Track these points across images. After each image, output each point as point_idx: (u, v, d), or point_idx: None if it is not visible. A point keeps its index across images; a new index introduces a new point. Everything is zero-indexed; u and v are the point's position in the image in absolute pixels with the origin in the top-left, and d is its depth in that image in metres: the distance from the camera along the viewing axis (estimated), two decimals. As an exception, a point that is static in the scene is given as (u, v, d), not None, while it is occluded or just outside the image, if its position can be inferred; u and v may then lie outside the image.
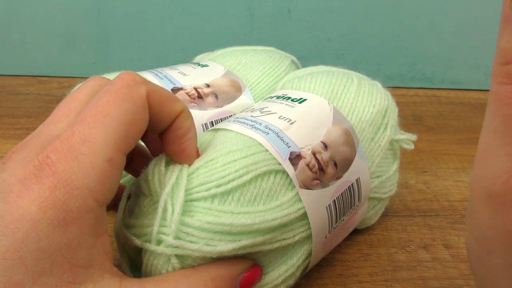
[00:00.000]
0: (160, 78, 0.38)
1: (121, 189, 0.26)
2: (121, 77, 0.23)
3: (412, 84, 0.66)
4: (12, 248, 0.19)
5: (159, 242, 0.24)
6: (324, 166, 0.28)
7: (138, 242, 0.24)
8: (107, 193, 0.21)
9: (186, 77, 0.39)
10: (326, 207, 0.28)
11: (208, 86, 0.39)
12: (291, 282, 0.28)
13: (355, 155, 0.30)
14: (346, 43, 0.63)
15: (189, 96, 0.37)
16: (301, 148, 0.28)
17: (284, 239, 0.26)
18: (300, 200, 0.26)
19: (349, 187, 0.30)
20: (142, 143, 0.29)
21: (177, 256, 0.24)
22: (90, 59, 0.65)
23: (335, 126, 0.30)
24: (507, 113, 0.17)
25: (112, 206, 0.28)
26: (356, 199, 0.31)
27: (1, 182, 0.20)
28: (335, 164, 0.29)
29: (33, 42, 0.64)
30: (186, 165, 0.25)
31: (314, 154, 0.28)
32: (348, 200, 0.30)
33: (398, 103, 0.36)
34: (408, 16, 0.62)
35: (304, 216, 0.27)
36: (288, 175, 0.26)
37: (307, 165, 0.27)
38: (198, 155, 0.26)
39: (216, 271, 0.24)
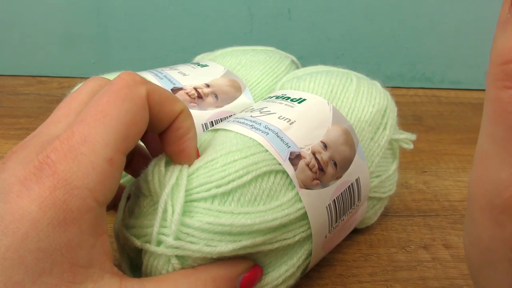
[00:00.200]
0: (160, 78, 0.38)
1: (121, 189, 0.26)
2: (121, 77, 0.23)
3: (412, 84, 0.66)
4: (12, 248, 0.19)
5: (159, 243, 0.24)
6: (324, 166, 0.28)
7: (138, 242, 0.24)
8: (107, 193, 0.21)
9: (186, 77, 0.39)
10: (326, 207, 0.28)
11: (208, 86, 0.39)
12: (292, 282, 0.28)
13: (354, 155, 0.30)
14: (346, 43, 0.63)
15: (189, 96, 0.37)
16: (301, 148, 0.28)
17: (284, 239, 0.26)
18: (300, 200, 0.26)
19: (349, 187, 0.30)
20: (142, 144, 0.29)
21: (177, 256, 0.24)
22: (90, 59, 0.65)
23: (334, 126, 0.30)
24: (508, 120, 0.16)
25: (112, 206, 0.28)
26: (356, 199, 0.31)
27: (1, 182, 0.20)
28: (335, 164, 0.29)
29: (33, 42, 0.64)
30: (186, 166, 0.25)
31: (314, 154, 0.28)
32: (348, 200, 0.30)
33: (398, 103, 0.36)
34: (408, 16, 0.62)
35: (304, 216, 0.27)
36: (288, 175, 0.26)
37: (307, 165, 0.27)
38: (198, 155, 0.26)
39: (216, 272, 0.24)
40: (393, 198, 0.40)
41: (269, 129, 0.28)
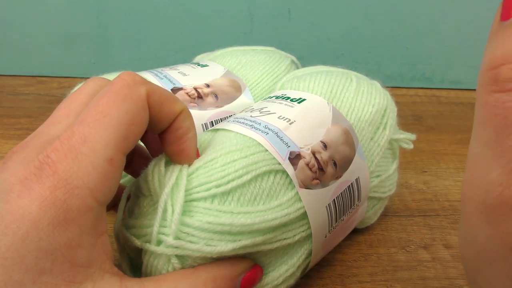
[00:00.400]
0: (160, 78, 0.38)
1: (121, 189, 0.26)
2: (121, 78, 0.23)
3: (412, 84, 0.66)
4: (12, 248, 0.19)
5: (159, 243, 0.24)
6: (324, 166, 0.28)
7: (138, 242, 0.24)
8: (107, 193, 0.22)
9: (186, 77, 0.39)
10: (326, 206, 0.28)
11: (208, 86, 0.39)
12: (292, 282, 0.28)
13: (354, 155, 0.30)
14: (346, 43, 0.63)
15: (189, 96, 0.37)
16: (301, 147, 0.28)
17: (284, 238, 0.26)
18: (300, 200, 0.27)
19: (348, 187, 0.30)
20: (142, 144, 0.29)
21: (177, 256, 0.24)
22: (90, 59, 0.65)
23: (334, 125, 0.30)
24: (498, 124, 0.17)
25: (112, 206, 0.28)
26: (356, 199, 0.31)
27: (2, 182, 0.20)
28: (335, 164, 0.29)
29: (33, 42, 0.64)
30: (186, 166, 0.25)
31: (313, 153, 0.28)
32: (348, 200, 0.30)
33: (398, 103, 0.36)
34: (408, 16, 0.62)
35: (304, 215, 0.27)
36: (287, 175, 0.26)
37: (307, 164, 0.27)
38: (198, 155, 0.26)
39: (217, 271, 0.24)
40: (393, 198, 0.40)
41: (269, 129, 0.28)
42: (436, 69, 0.65)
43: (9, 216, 0.19)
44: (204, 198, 0.24)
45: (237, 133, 0.28)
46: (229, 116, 0.38)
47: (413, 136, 0.35)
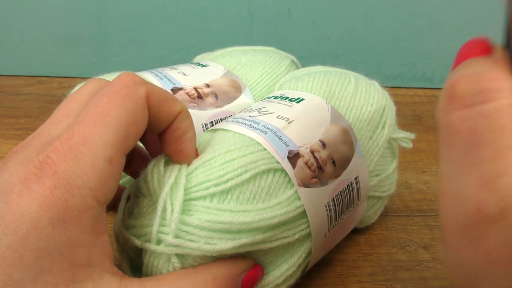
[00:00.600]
0: (160, 78, 0.38)
1: (120, 190, 0.26)
2: (121, 78, 0.23)
3: (412, 84, 0.66)
4: (12, 247, 0.19)
5: (159, 242, 0.24)
6: (323, 165, 0.28)
7: (138, 242, 0.24)
8: (107, 193, 0.22)
9: (186, 77, 0.39)
10: (325, 205, 0.28)
11: (208, 86, 0.39)
12: (292, 281, 0.28)
13: (353, 154, 0.30)
14: (346, 43, 0.63)
15: (189, 96, 0.37)
16: (300, 146, 0.28)
17: (284, 237, 0.26)
18: (299, 198, 0.27)
19: (348, 186, 0.30)
20: (141, 145, 0.29)
21: (177, 255, 0.24)
22: (90, 59, 0.65)
23: (333, 125, 0.30)
24: (463, 142, 0.17)
25: (112, 207, 0.28)
26: (355, 198, 0.31)
27: (2, 182, 0.20)
28: (334, 163, 0.29)
29: (33, 42, 0.64)
30: (185, 165, 0.25)
31: (312, 152, 0.28)
32: (347, 199, 0.30)
33: (398, 103, 0.36)
34: (408, 16, 0.62)
35: (304, 214, 0.27)
36: (286, 174, 0.27)
37: (306, 163, 0.27)
38: (197, 155, 0.26)
39: (217, 271, 0.24)
40: (393, 198, 0.40)
41: (268, 128, 0.28)
42: (436, 69, 0.65)
43: (9, 216, 0.19)
44: (203, 197, 0.24)
45: (236, 132, 0.28)
46: (229, 116, 0.38)
47: (412, 135, 0.35)
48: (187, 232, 0.23)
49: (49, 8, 0.62)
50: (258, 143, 0.27)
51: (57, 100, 0.59)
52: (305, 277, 0.32)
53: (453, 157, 0.18)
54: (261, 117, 0.29)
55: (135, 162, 0.29)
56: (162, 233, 0.24)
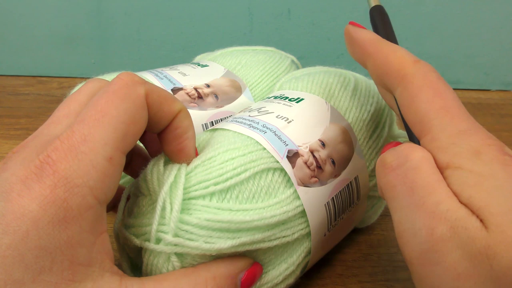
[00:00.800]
0: (160, 78, 0.38)
1: (120, 190, 0.26)
2: (120, 78, 0.23)
3: (412, 84, 0.66)
4: (12, 246, 0.19)
5: (158, 241, 0.24)
6: (322, 164, 0.28)
7: (137, 241, 0.24)
8: (107, 192, 0.22)
9: (186, 77, 0.39)
10: (325, 204, 0.28)
11: (208, 86, 0.39)
12: (292, 280, 0.28)
13: (353, 153, 0.30)
14: (346, 43, 0.63)
15: (189, 96, 0.37)
16: (299, 146, 0.28)
17: (283, 236, 0.26)
18: (298, 198, 0.27)
19: (347, 185, 0.30)
20: (141, 145, 0.29)
21: (176, 254, 0.24)
22: (90, 59, 0.65)
23: (332, 124, 0.30)
24: (401, 191, 0.22)
25: (112, 207, 0.28)
26: (355, 197, 0.31)
27: (2, 181, 0.20)
28: (333, 162, 0.29)
29: (33, 42, 0.64)
30: (184, 164, 0.25)
31: (311, 152, 0.28)
32: (346, 198, 0.30)
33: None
34: (408, 16, 0.62)
35: (303, 213, 0.27)
36: (286, 173, 0.27)
37: (305, 163, 0.27)
38: (196, 154, 0.26)
39: (217, 270, 0.24)
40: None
41: (267, 127, 0.28)
42: (436, 69, 0.65)
43: (9, 215, 0.19)
44: (203, 196, 0.24)
45: (235, 132, 0.28)
46: (229, 116, 0.38)
47: None
48: (186, 231, 0.23)
49: (49, 8, 0.62)
50: (258, 142, 0.27)
51: (57, 100, 0.59)
52: (305, 277, 0.32)
53: (398, 205, 0.22)
54: (261, 117, 0.29)
55: (135, 162, 0.29)
56: (162, 232, 0.24)
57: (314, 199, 0.27)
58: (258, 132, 0.28)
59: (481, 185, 0.20)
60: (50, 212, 0.20)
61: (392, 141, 0.28)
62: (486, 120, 0.57)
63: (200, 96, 0.38)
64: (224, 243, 0.24)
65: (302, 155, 0.28)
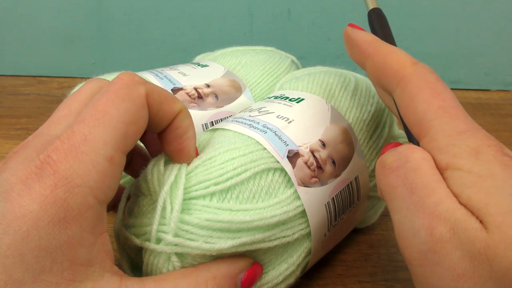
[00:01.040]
0: (160, 78, 0.38)
1: (121, 190, 0.26)
2: (120, 78, 0.23)
3: (412, 84, 0.66)
4: (13, 246, 0.19)
5: (158, 241, 0.24)
6: (322, 164, 0.28)
7: (137, 241, 0.24)
8: (107, 192, 0.22)
9: (186, 77, 0.39)
10: (325, 205, 0.28)
11: (208, 86, 0.39)
12: (292, 280, 0.28)
13: (353, 154, 0.30)
14: (346, 43, 0.63)
15: (189, 96, 0.37)
16: (299, 146, 0.28)
17: (284, 236, 0.26)
18: (298, 198, 0.27)
19: (347, 185, 0.30)
20: (142, 144, 0.29)
21: (177, 254, 0.24)
22: (90, 59, 0.65)
23: (333, 124, 0.30)
24: (402, 192, 0.22)
25: (112, 207, 0.28)
26: (355, 198, 0.31)
27: (3, 181, 0.20)
28: (333, 162, 0.29)
29: (33, 42, 0.64)
30: (185, 164, 0.25)
31: (312, 152, 0.28)
32: (347, 198, 0.30)
33: (398, 103, 0.36)
34: (408, 16, 0.62)
35: (303, 213, 0.27)
36: (286, 173, 0.27)
37: (305, 163, 0.27)
38: (197, 154, 0.26)
39: (217, 270, 0.24)
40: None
41: (268, 127, 0.28)
42: (436, 69, 0.64)
43: (10, 215, 0.19)
44: (203, 196, 0.24)
45: (236, 132, 0.28)
46: (229, 116, 0.38)
47: None
48: (187, 231, 0.24)
49: (49, 8, 0.62)
50: (258, 142, 0.27)
51: (57, 100, 0.59)
52: (305, 277, 0.32)
53: (399, 206, 0.22)
54: (261, 117, 0.29)
55: (135, 162, 0.29)
56: (162, 232, 0.24)
57: (315, 199, 0.27)
58: (259, 132, 0.28)
59: (480, 185, 0.20)
60: (51, 212, 0.20)
61: (392, 142, 0.28)
62: (486, 120, 0.57)
63: (200, 96, 0.38)
64: (224, 243, 0.24)
65: (302, 155, 0.28)
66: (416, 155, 0.22)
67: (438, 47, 0.64)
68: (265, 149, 0.27)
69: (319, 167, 0.28)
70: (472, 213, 0.20)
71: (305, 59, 0.48)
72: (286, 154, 0.27)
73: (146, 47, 0.64)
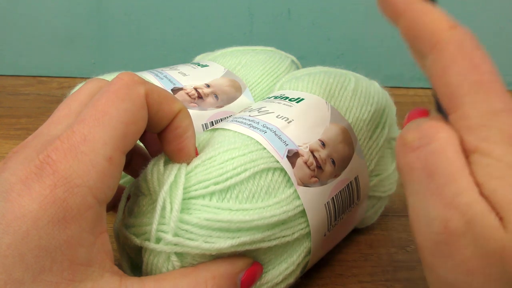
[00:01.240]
0: (160, 79, 0.38)
1: (120, 190, 0.26)
2: (120, 78, 0.23)
3: (412, 84, 0.66)
4: (12, 246, 0.19)
5: (158, 240, 0.24)
6: (322, 164, 0.28)
7: (137, 241, 0.24)
8: (106, 191, 0.22)
9: (186, 77, 0.39)
10: (325, 204, 0.28)
11: (208, 86, 0.39)
12: (292, 280, 0.28)
13: (353, 153, 0.30)
14: (346, 43, 0.63)
15: (189, 96, 0.37)
16: (299, 146, 0.28)
17: (283, 236, 0.26)
18: (298, 198, 0.27)
19: (347, 185, 0.30)
20: (141, 144, 0.29)
21: (176, 254, 0.24)
22: (90, 59, 0.65)
23: (332, 124, 0.30)
24: (420, 175, 0.20)
25: (112, 207, 0.28)
26: (355, 197, 0.31)
27: (2, 181, 0.20)
28: (333, 162, 0.29)
29: (33, 42, 0.64)
30: (184, 164, 0.25)
31: (312, 152, 0.28)
32: (347, 198, 0.30)
33: (398, 103, 0.36)
34: (408, 16, 0.62)
35: (303, 213, 0.27)
36: (286, 173, 0.27)
37: (305, 162, 0.27)
38: (196, 154, 0.26)
39: (216, 269, 0.24)
40: (393, 198, 0.40)
41: (267, 127, 0.28)
42: (436, 69, 0.65)
43: (9, 215, 0.19)
44: (203, 196, 0.24)
45: (236, 132, 0.28)
46: (229, 116, 0.38)
47: None
48: (186, 231, 0.24)
49: (49, 8, 0.62)
50: (258, 142, 0.27)
51: (57, 100, 0.59)
52: (305, 277, 0.32)
53: (415, 189, 0.21)
54: (261, 117, 0.29)
55: (135, 162, 0.29)
56: (162, 231, 0.24)
57: (314, 199, 0.27)
58: (258, 132, 0.28)
59: (509, 178, 0.18)
60: (50, 212, 0.20)
61: (417, 108, 0.25)
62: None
63: (200, 96, 0.38)
64: (224, 243, 0.24)
65: (302, 155, 0.28)
66: (441, 136, 0.20)
67: (438, 47, 0.63)
68: (265, 149, 0.27)
69: (319, 167, 0.28)
70: (493, 208, 0.18)
71: (305, 59, 0.48)
72: (286, 154, 0.27)
73: (146, 47, 0.64)
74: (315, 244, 0.28)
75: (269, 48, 0.46)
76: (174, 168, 0.25)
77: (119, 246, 0.27)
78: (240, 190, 0.25)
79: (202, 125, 0.36)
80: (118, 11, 0.62)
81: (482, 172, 0.19)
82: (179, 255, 0.24)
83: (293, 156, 0.27)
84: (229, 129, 0.28)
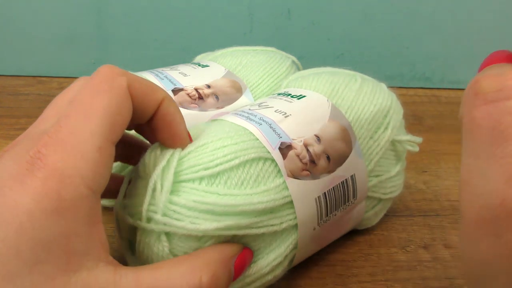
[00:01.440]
0: (161, 79, 0.38)
1: (118, 179, 0.28)
2: (100, 71, 0.24)
3: (412, 84, 0.66)
4: (7, 239, 0.19)
5: (149, 220, 0.25)
6: (316, 159, 0.29)
7: (131, 220, 0.25)
8: (100, 181, 0.22)
9: (186, 77, 0.39)
10: (316, 198, 0.28)
11: (208, 87, 0.39)
12: (279, 272, 0.28)
13: (350, 152, 0.30)
14: (346, 43, 0.63)
15: (190, 97, 0.37)
16: (293, 139, 0.28)
17: (271, 225, 0.27)
18: (287, 188, 0.27)
19: (342, 182, 0.30)
20: (144, 139, 0.30)
21: (166, 235, 0.25)
22: (90, 59, 0.65)
23: (331, 121, 0.30)
24: (487, 136, 0.17)
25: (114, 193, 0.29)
26: (351, 195, 0.31)
27: None
28: (328, 158, 0.29)
29: (33, 42, 0.64)
30: (179, 149, 0.26)
31: (306, 146, 0.28)
32: (341, 195, 0.30)
33: (398, 103, 0.36)
34: (408, 16, 0.62)
35: (292, 204, 0.27)
36: (276, 164, 0.27)
37: (297, 155, 0.28)
38: (190, 139, 0.27)
39: (210, 256, 0.24)
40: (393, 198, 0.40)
41: (263, 120, 0.29)
42: (436, 69, 0.65)
43: (2, 209, 0.20)
44: (193, 180, 0.25)
45: (232, 123, 0.29)
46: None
47: (418, 139, 0.34)
48: (174, 211, 0.24)
49: (49, 8, 0.62)
50: (251, 133, 0.28)
51: (57, 100, 0.58)
52: (305, 277, 0.32)
53: (476, 150, 0.18)
54: (260, 110, 0.30)
55: (138, 155, 0.30)
56: (152, 211, 0.25)
57: (304, 191, 0.28)
58: (254, 123, 0.28)
59: None
60: (43, 204, 0.20)
61: (503, 51, 0.20)
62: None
63: (200, 97, 0.38)
64: (209, 225, 0.24)
65: (295, 148, 0.28)
66: None
67: (438, 47, 0.64)
68: (258, 139, 0.27)
69: (312, 161, 0.28)
70: None
71: (305, 59, 0.47)
72: (278, 145, 0.28)
73: (146, 47, 0.64)
74: (303, 237, 0.28)
75: (269, 49, 0.46)
76: (168, 153, 0.26)
77: (118, 227, 0.27)
78: (229, 177, 0.26)
79: (202, 125, 0.36)
80: (118, 11, 0.62)
81: None
82: (168, 235, 0.25)
83: (285, 148, 0.28)
84: (226, 120, 0.29)
